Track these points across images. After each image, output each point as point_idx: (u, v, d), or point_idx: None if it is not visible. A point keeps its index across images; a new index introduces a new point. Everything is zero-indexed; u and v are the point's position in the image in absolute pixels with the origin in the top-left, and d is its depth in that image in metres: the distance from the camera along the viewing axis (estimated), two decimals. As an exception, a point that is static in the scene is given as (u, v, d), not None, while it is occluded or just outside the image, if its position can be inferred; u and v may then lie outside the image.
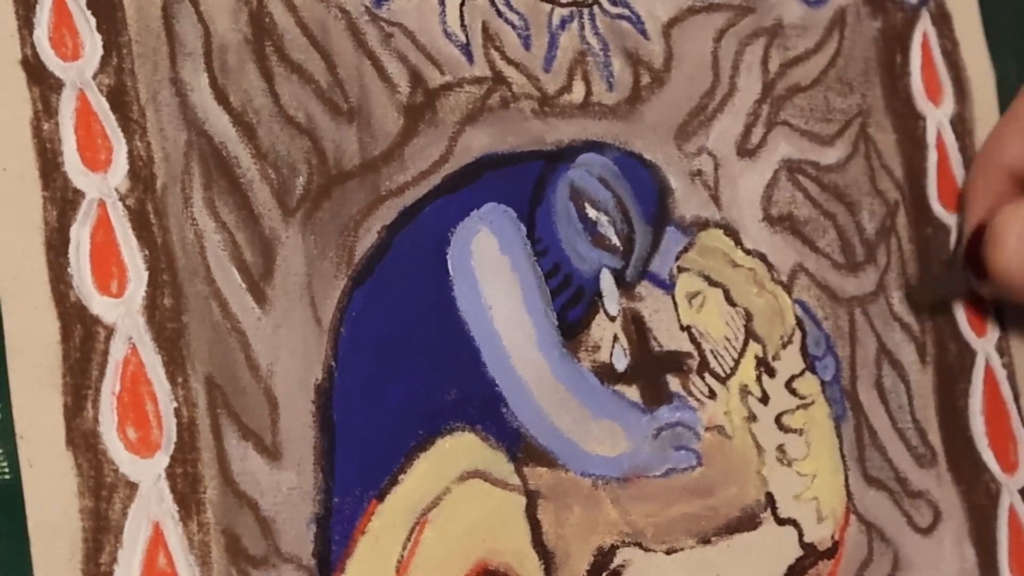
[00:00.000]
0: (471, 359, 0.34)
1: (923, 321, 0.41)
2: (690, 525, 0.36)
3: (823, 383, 0.39)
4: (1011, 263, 0.36)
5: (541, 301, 0.36)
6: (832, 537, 0.38)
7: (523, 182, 0.36)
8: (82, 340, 0.30)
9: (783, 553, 0.37)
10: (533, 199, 0.36)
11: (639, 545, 0.35)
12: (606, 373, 0.36)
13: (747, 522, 0.37)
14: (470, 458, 0.34)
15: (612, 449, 0.36)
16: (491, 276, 0.35)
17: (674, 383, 0.37)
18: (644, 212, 0.38)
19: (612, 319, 0.37)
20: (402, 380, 0.33)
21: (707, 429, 0.37)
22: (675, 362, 0.37)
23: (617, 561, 0.35)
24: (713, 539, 0.36)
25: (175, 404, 0.31)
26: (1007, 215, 0.37)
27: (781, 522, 0.37)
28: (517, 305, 0.35)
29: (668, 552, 0.36)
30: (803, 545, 0.37)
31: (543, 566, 0.34)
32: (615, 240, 0.37)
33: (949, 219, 0.42)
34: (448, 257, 0.35)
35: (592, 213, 0.37)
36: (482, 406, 0.34)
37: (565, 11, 0.38)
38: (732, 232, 0.39)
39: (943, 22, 0.43)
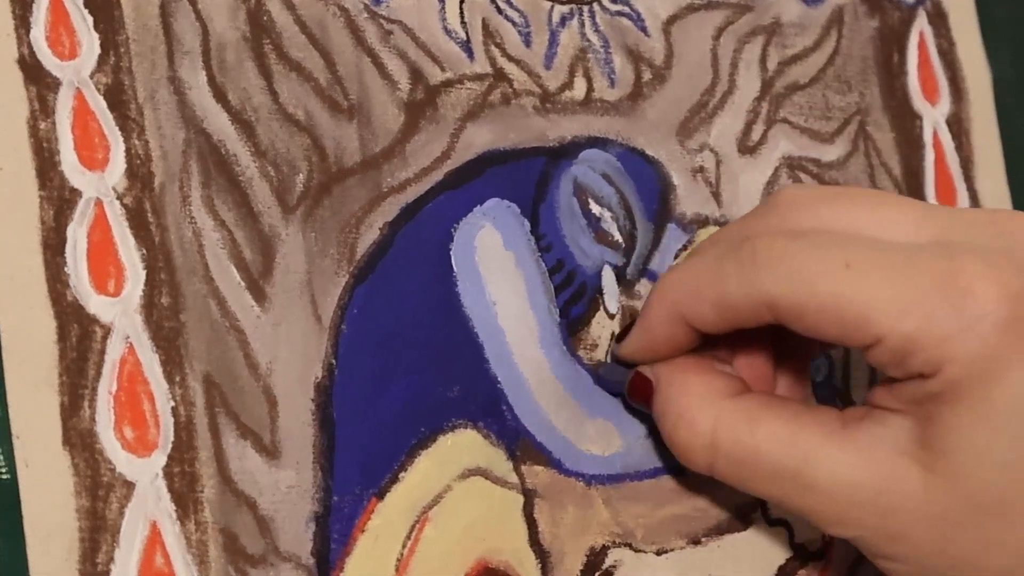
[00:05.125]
0: (474, 356, 0.34)
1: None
2: (680, 526, 0.36)
3: (815, 384, 0.39)
4: (695, 453, 0.32)
5: (545, 298, 0.36)
6: (822, 538, 0.38)
7: (526, 178, 0.36)
8: (79, 339, 0.30)
9: (773, 554, 0.38)
10: (536, 195, 0.36)
11: (629, 546, 0.36)
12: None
13: (737, 523, 0.37)
14: (472, 455, 0.34)
15: (605, 449, 0.36)
16: (496, 272, 0.35)
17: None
18: (646, 209, 0.38)
19: (612, 317, 0.37)
20: (404, 377, 0.33)
21: (700, 428, 0.37)
22: (670, 361, 0.37)
23: (608, 561, 0.35)
24: (703, 540, 0.37)
25: (173, 403, 0.31)
26: (689, 400, 0.32)
27: (772, 523, 0.38)
28: (521, 302, 0.35)
29: (658, 553, 0.36)
30: (793, 546, 0.38)
31: (540, 565, 0.34)
32: (618, 236, 0.37)
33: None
34: (452, 253, 0.34)
35: (596, 209, 0.37)
36: (484, 403, 0.34)
37: (565, 8, 0.37)
38: (729, 230, 0.39)
39: (940, 22, 0.43)
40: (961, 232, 0.30)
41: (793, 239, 0.31)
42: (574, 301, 0.36)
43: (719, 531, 0.37)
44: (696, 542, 0.36)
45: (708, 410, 0.32)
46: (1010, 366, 0.29)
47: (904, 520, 0.30)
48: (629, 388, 0.35)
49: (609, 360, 0.36)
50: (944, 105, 0.43)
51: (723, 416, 0.32)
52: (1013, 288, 0.29)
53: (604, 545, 0.35)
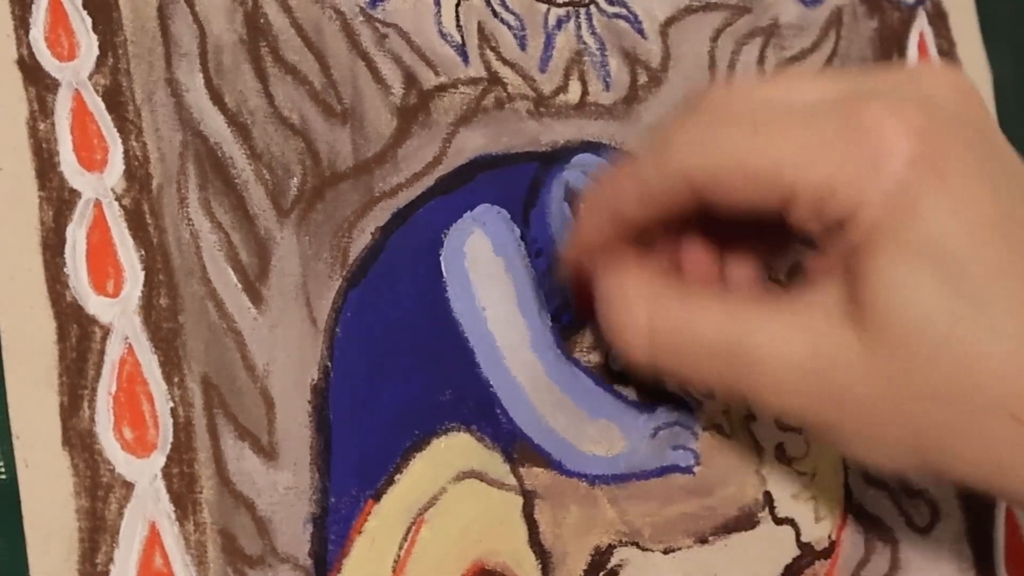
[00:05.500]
0: (465, 360, 0.34)
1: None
2: (688, 525, 0.36)
3: None
4: (641, 354, 0.32)
5: (535, 302, 0.36)
6: (829, 537, 0.38)
7: (517, 183, 0.36)
8: (78, 340, 0.30)
9: (780, 553, 0.37)
10: (527, 200, 0.36)
11: (636, 545, 0.35)
12: (602, 373, 0.36)
13: (745, 521, 0.37)
14: (466, 458, 0.34)
15: (609, 449, 0.36)
16: (485, 278, 0.35)
17: (671, 383, 0.37)
18: (640, 212, 0.38)
19: (608, 319, 0.37)
20: (397, 380, 0.34)
21: (705, 428, 0.37)
22: (672, 362, 0.37)
23: (614, 561, 0.35)
24: (710, 539, 0.36)
25: (171, 404, 0.31)
26: (627, 300, 0.32)
27: (779, 521, 0.37)
28: (511, 306, 0.35)
29: (665, 552, 0.36)
30: (800, 545, 0.37)
31: (540, 566, 0.34)
32: (611, 240, 0.37)
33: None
34: (441, 259, 0.35)
35: (588, 213, 0.37)
36: (477, 407, 0.34)
37: (561, 11, 0.38)
38: (729, 232, 0.39)
39: (939, 22, 0.43)
40: (869, 86, 0.30)
41: (702, 117, 0.31)
42: (567, 306, 0.36)
43: (726, 530, 0.36)
44: (703, 541, 0.36)
45: (645, 295, 0.32)
46: (922, 202, 0.28)
47: (844, 382, 0.29)
48: (573, 293, 0.34)
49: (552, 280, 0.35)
50: (945, 105, 0.43)
51: (659, 300, 0.31)
52: (916, 124, 0.28)
53: (610, 544, 0.35)
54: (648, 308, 0.32)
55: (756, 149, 0.29)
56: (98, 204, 0.31)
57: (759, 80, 0.32)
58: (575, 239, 0.34)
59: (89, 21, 0.32)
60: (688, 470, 0.36)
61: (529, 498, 0.34)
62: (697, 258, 0.34)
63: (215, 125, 0.33)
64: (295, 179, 0.34)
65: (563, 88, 0.37)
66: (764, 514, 0.37)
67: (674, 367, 0.32)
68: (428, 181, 0.35)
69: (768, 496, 0.37)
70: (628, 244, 0.33)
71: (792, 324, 0.30)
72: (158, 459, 0.31)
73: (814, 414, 0.30)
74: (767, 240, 0.34)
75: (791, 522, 0.37)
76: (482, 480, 0.34)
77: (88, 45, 0.32)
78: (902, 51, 0.42)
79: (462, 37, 0.36)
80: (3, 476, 0.29)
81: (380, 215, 0.34)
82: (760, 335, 0.30)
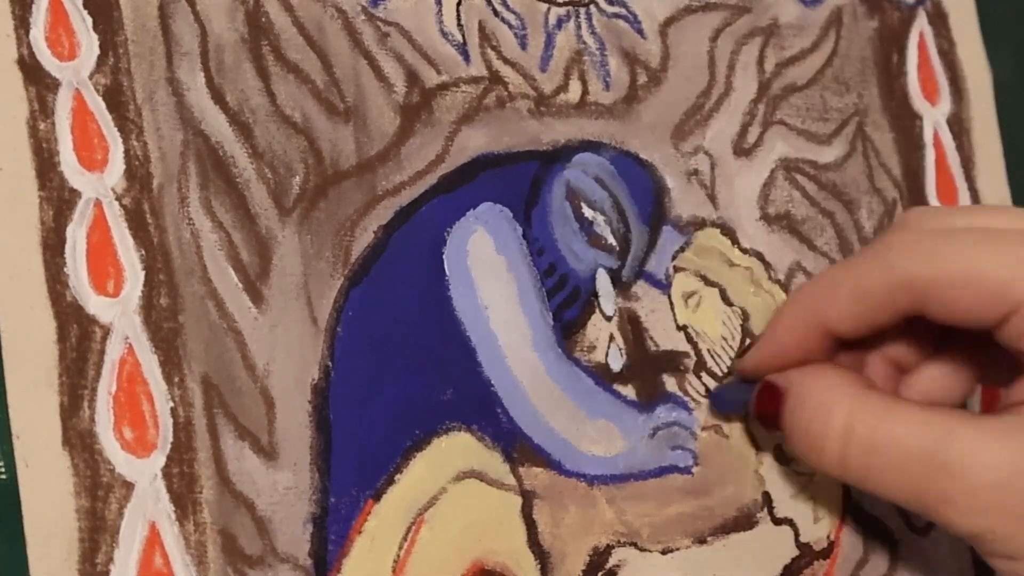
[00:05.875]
0: (467, 359, 0.34)
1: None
2: (686, 525, 0.36)
3: None
4: (827, 457, 0.32)
5: (537, 301, 0.36)
6: (828, 537, 0.38)
7: (519, 182, 0.36)
8: (78, 340, 0.30)
9: (779, 553, 0.37)
10: (529, 199, 0.36)
11: (634, 545, 0.35)
12: (602, 373, 0.36)
13: (743, 522, 0.37)
14: (466, 458, 0.34)
15: (608, 449, 0.36)
16: (487, 276, 0.35)
17: (670, 383, 0.37)
18: (640, 212, 0.38)
19: (608, 319, 0.37)
20: (398, 380, 0.34)
21: (704, 428, 0.37)
22: (671, 362, 0.37)
23: (612, 561, 0.35)
24: (709, 539, 0.36)
25: (171, 404, 0.31)
26: (824, 400, 0.32)
27: (777, 522, 0.37)
28: (513, 305, 0.35)
29: (663, 552, 0.36)
30: (799, 545, 0.38)
31: (539, 566, 0.34)
32: (611, 240, 0.37)
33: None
34: (444, 257, 0.35)
35: (588, 213, 0.37)
36: (478, 406, 0.34)
37: (562, 10, 0.38)
38: (729, 231, 0.39)
39: (939, 21, 0.43)
40: None
41: (919, 231, 0.32)
42: (567, 304, 0.36)
43: (725, 530, 0.36)
44: (702, 541, 0.36)
45: (844, 400, 0.32)
46: None
47: None
48: (757, 399, 0.34)
49: (728, 380, 0.36)
50: (944, 105, 0.43)
51: (858, 405, 0.32)
52: None
53: (608, 545, 0.35)
54: (848, 409, 0.32)
55: (984, 262, 0.30)
56: (98, 204, 0.31)
57: (952, 208, 0.34)
58: (768, 346, 0.34)
59: (90, 20, 0.32)
60: (687, 470, 0.36)
61: (528, 498, 0.34)
62: (876, 372, 0.34)
63: (216, 124, 0.33)
64: (297, 178, 0.34)
65: (563, 87, 0.37)
66: (763, 514, 0.37)
67: (863, 470, 0.32)
68: (431, 179, 0.35)
69: (767, 496, 0.37)
70: (821, 354, 0.33)
71: (995, 437, 0.30)
72: (158, 459, 0.31)
73: (1002, 534, 0.31)
74: (948, 359, 0.35)
75: (790, 522, 0.38)
76: (482, 480, 0.34)
77: (89, 44, 0.32)
78: (902, 51, 0.43)
79: (463, 36, 0.36)
80: (3, 476, 0.29)
81: (383, 213, 0.34)
82: (960, 442, 0.31)
